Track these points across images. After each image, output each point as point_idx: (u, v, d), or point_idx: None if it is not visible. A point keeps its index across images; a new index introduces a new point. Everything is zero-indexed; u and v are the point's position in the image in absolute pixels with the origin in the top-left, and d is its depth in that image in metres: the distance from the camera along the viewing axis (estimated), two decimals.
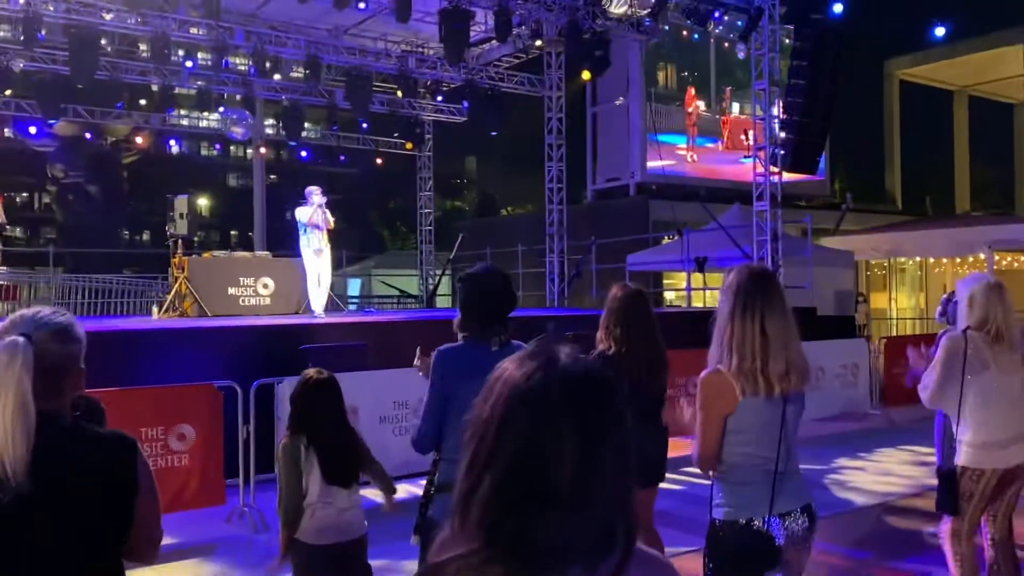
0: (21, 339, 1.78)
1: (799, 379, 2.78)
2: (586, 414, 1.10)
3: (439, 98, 18.54)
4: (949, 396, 3.84)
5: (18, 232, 41.06)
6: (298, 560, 3.56)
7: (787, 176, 13.47)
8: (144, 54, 15.11)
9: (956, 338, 3.83)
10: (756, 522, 2.72)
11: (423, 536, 3.05)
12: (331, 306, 11.98)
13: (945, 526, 3.98)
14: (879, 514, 6.63)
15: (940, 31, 18.57)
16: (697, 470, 2.87)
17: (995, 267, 15.91)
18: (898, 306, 20.35)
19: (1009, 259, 17.20)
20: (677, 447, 4.65)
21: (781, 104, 13.08)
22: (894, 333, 18.07)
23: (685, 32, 21.87)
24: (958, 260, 18.17)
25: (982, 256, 16.11)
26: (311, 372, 3.79)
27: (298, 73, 17.01)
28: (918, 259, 19.36)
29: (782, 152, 12.80)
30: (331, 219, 11.00)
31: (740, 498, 2.76)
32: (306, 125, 18.87)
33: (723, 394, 2.74)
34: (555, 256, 17.13)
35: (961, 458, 3.86)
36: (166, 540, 2.12)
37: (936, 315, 4.01)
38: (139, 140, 20.65)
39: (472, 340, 3.07)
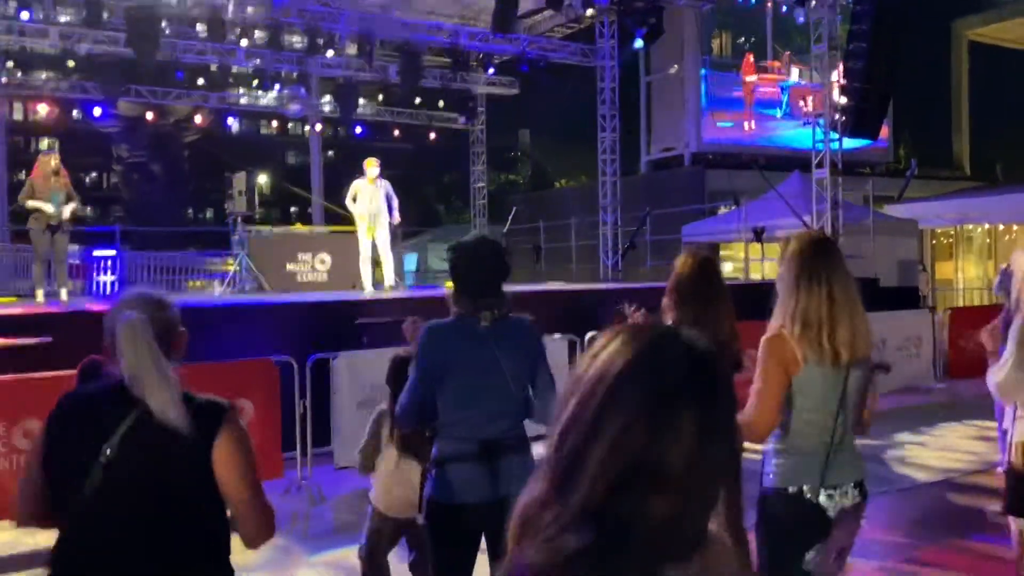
0: (136, 313, 2.07)
1: (865, 346, 2.72)
2: (703, 392, 1.03)
3: (491, 71, 18.45)
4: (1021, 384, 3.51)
5: (88, 211, 42.36)
6: (370, 521, 3.93)
7: (848, 143, 13.10)
8: (202, 34, 15.37)
9: None
10: (807, 492, 2.67)
11: (428, 516, 3.02)
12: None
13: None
14: (941, 491, 6.47)
15: None
16: (751, 444, 2.80)
17: None
18: (965, 276, 19.70)
19: None
20: None
21: (841, 69, 12.70)
22: (960, 304, 17.52)
23: None
24: None
25: None
26: (400, 351, 3.96)
27: (351, 50, 17.11)
28: (987, 226, 18.67)
29: (842, 118, 12.44)
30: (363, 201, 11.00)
31: (792, 467, 2.71)
32: (360, 101, 18.98)
33: (785, 356, 2.68)
34: (608, 228, 16.99)
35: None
36: None
37: (994, 287, 3.77)
38: (199, 119, 21.05)
39: (462, 315, 3.01)
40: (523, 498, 1.07)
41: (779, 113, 22.56)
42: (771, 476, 2.76)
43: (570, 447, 1.02)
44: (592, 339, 7.69)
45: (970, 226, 18.67)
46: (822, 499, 2.66)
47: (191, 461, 2.03)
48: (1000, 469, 3.94)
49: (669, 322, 4.09)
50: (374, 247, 11.19)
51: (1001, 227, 18.47)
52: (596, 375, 1.04)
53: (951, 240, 19.70)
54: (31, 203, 9.27)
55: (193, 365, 6.79)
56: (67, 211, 9.42)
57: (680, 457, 0.98)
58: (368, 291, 11.00)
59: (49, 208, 9.25)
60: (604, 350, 1.06)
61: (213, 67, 16.54)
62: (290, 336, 7.74)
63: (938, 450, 7.74)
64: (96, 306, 9.17)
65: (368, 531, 3.96)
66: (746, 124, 21.99)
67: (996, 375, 3.61)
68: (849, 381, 2.71)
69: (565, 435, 1.03)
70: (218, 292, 12.38)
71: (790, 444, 2.74)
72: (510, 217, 17.30)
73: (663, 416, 1.00)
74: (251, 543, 2.13)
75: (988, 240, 19.37)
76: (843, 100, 12.46)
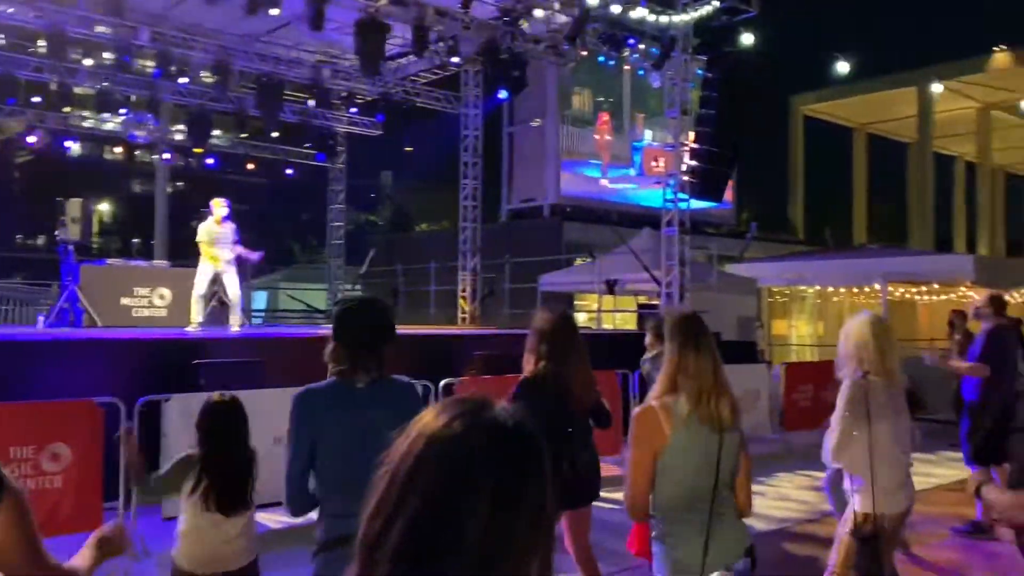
0: None
1: (733, 413, 2.86)
2: (504, 472, 1.02)
3: (353, 110, 18.25)
4: (854, 446, 3.71)
5: None
6: None
7: (695, 204, 13.72)
8: (41, 49, 14.37)
9: (858, 383, 3.74)
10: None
11: None
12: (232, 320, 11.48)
13: None
14: (778, 540, 6.69)
15: (842, 68, 19.40)
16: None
17: (888, 297, 16.55)
18: (797, 333, 20.98)
19: (901, 291, 17.94)
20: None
21: (692, 133, 13.34)
22: (793, 359, 18.59)
23: (602, 58, 22.21)
24: (855, 290, 18.87)
25: (876, 287, 16.75)
26: (214, 396, 3.71)
27: (207, 78, 16.47)
28: (817, 288, 20.01)
29: (691, 180, 13.04)
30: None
31: (678, 547, 2.73)
32: (214, 132, 18.26)
33: (653, 430, 2.75)
34: (467, 274, 17.00)
35: (866, 505, 3.73)
36: None
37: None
38: (33, 139, 19.56)
39: (341, 377, 2.84)
40: None
41: (632, 172, 23.51)
42: (662, 561, 2.76)
43: (376, 524, 1.02)
44: (447, 386, 7.51)
45: (803, 287, 19.94)
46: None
47: None
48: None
49: (527, 374, 4.13)
50: (219, 287, 10.65)
51: (830, 289, 19.83)
52: (403, 454, 1.04)
53: (786, 299, 20.97)
54: None
55: (7, 404, 6.14)
56: None
57: (476, 531, 0.97)
58: (193, 327, 10.40)
59: None
60: (416, 426, 1.07)
61: (52, 85, 15.43)
62: (119, 375, 7.18)
63: (774, 499, 8.03)
64: None
65: None
66: (601, 180, 22.75)
67: (829, 440, 3.78)
68: (723, 446, 2.78)
69: (374, 514, 1.03)
70: (40, 325, 11.39)
71: (669, 522, 2.77)
72: (368, 258, 17.03)
73: (459, 491, 1.00)
74: None
75: (818, 300, 20.75)
76: (692, 163, 13.06)
